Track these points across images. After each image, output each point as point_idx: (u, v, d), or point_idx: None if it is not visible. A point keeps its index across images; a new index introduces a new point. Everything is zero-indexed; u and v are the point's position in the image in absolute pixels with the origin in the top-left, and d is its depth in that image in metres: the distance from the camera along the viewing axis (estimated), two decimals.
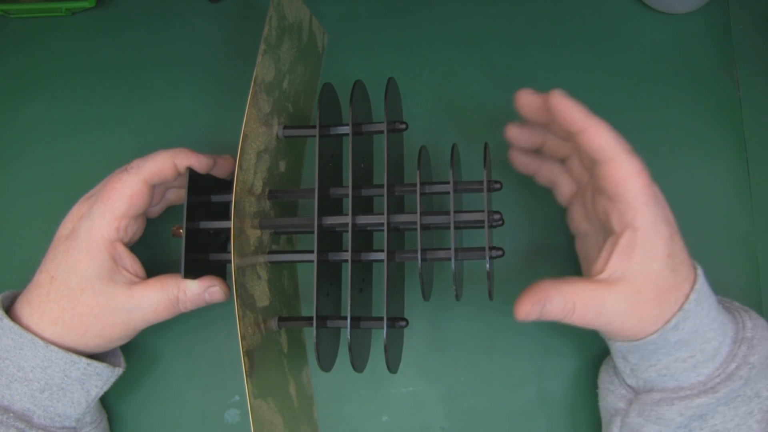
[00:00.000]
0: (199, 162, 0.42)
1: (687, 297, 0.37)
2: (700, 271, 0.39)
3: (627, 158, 0.36)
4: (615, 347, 0.41)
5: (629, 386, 0.42)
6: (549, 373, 0.47)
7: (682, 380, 0.39)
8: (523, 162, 0.45)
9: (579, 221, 0.43)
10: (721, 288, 0.44)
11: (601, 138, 0.37)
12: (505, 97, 0.52)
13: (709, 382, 0.38)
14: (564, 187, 0.44)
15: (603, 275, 0.37)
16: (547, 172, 0.45)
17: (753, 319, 0.40)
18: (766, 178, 0.49)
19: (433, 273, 0.46)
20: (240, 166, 0.38)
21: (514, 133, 0.43)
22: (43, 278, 0.41)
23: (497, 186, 0.39)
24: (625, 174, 0.36)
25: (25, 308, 0.41)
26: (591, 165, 0.39)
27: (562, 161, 0.44)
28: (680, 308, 0.37)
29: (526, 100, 0.40)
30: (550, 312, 0.37)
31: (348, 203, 0.40)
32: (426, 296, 0.40)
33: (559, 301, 0.37)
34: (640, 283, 0.37)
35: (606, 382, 0.43)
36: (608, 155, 0.36)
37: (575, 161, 0.42)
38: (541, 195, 0.48)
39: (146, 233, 0.45)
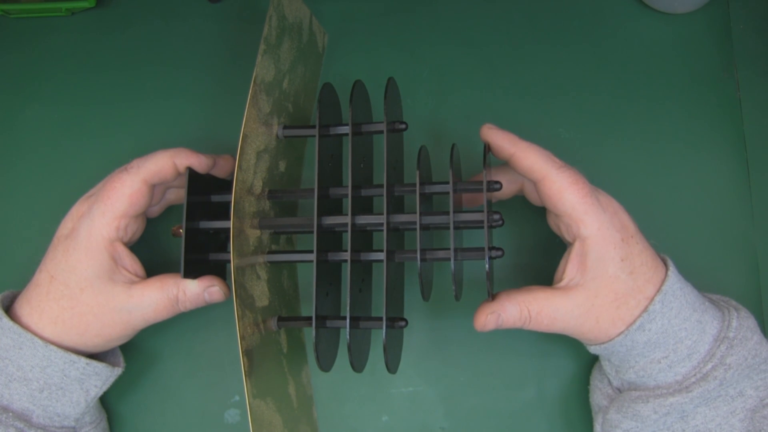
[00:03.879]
0: (199, 162, 0.42)
1: (651, 299, 0.38)
2: (671, 271, 0.39)
3: (557, 173, 0.38)
4: (594, 351, 0.41)
5: (615, 387, 0.43)
6: (548, 373, 0.47)
7: (659, 380, 0.39)
8: (511, 189, 0.46)
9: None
10: (721, 288, 0.45)
11: (528, 159, 0.39)
12: (505, 97, 0.52)
13: (685, 382, 0.39)
14: None
15: (561, 283, 0.39)
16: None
17: (741, 318, 0.40)
18: (766, 178, 0.49)
19: (432, 273, 0.46)
20: (239, 166, 0.38)
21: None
22: (42, 277, 0.41)
23: (497, 186, 0.39)
24: (558, 188, 0.38)
25: (24, 307, 0.41)
26: (533, 187, 0.40)
27: None
28: (645, 310, 0.38)
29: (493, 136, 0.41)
30: (506, 321, 0.39)
31: (347, 203, 0.40)
32: (425, 297, 0.40)
33: (514, 310, 0.39)
34: (596, 288, 0.38)
35: (596, 380, 0.44)
36: (539, 174, 0.38)
37: None
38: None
39: (146, 233, 0.45)
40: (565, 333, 0.40)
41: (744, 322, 0.40)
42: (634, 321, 0.38)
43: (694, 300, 0.40)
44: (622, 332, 0.38)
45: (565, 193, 0.38)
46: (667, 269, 0.39)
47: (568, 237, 0.39)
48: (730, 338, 0.39)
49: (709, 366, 0.38)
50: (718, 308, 0.41)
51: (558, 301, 0.38)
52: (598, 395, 0.44)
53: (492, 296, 0.40)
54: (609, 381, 0.43)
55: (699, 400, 0.38)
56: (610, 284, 0.38)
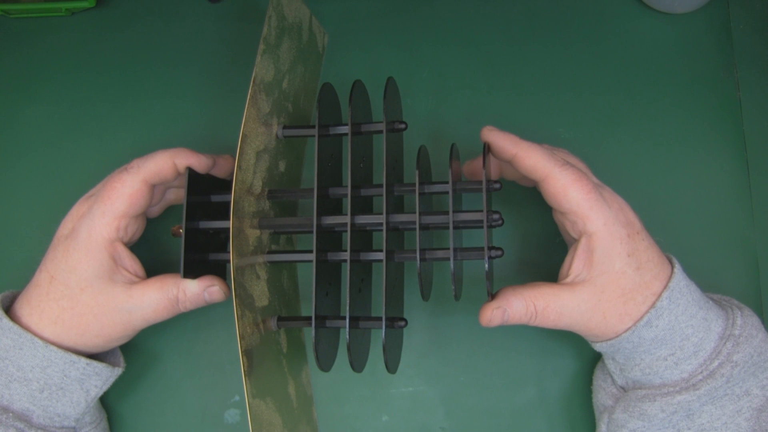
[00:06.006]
0: (198, 162, 0.42)
1: (659, 295, 0.38)
2: (677, 269, 0.39)
3: (560, 171, 0.38)
4: (599, 349, 0.41)
5: (620, 386, 0.42)
6: (548, 373, 0.47)
7: (666, 378, 0.39)
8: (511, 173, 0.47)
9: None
10: (721, 288, 0.45)
11: (531, 159, 0.39)
12: (505, 97, 0.52)
13: (692, 379, 0.39)
14: None
15: (567, 279, 0.39)
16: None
17: (745, 316, 0.40)
18: (766, 178, 0.49)
19: (432, 273, 0.46)
20: (239, 165, 0.38)
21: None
22: (42, 278, 0.41)
23: (497, 186, 0.39)
24: (562, 185, 0.38)
25: (24, 308, 0.41)
26: (538, 187, 0.40)
27: None
28: (652, 306, 0.38)
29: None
30: (512, 316, 0.39)
31: (347, 203, 0.40)
32: (425, 296, 0.40)
33: (520, 306, 0.39)
34: (602, 283, 0.38)
35: (599, 379, 0.44)
36: (542, 173, 0.38)
37: None
38: (541, 195, 0.48)
39: (146, 233, 0.45)
40: (571, 329, 0.40)
41: (748, 320, 0.40)
42: (642, 317, 0.38)
43: (699, 298, 0.40)
44: (629, 328, 0.38)
45: (569, 190, 0.38)
46: (672, 267, 0.40)
47: (573, 234, 0.39)
48: (735, 336, 0.39)
49: (716, 363, 0.38)
50: (721, 307, 0.41)
51: (565, 296, 0.38)
52: (602, 395, 0.43)
53: (491, 296, 0.40)
54: (613, 380, 0.43)
55: (706, 398, 0.38)
56: (617, 280, 0.38)
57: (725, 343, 0.39)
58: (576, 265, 0.39)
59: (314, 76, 0.52)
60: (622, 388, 0.42)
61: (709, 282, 0.45)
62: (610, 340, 0.39)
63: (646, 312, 0.38)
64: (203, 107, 0.53)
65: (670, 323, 0.38)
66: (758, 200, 0.49)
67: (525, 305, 0.39)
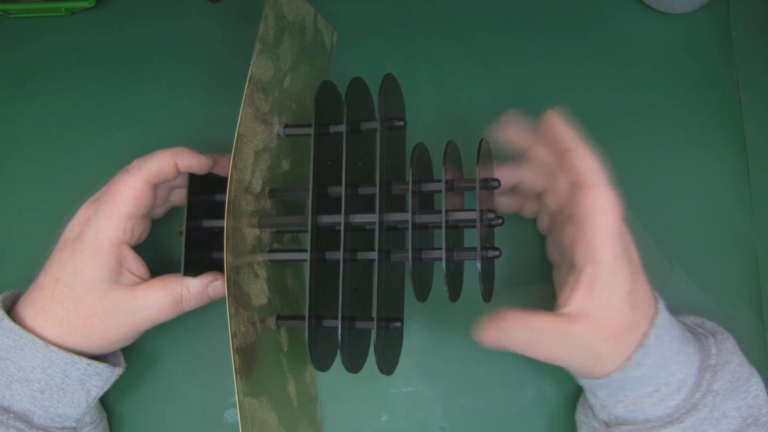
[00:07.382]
0: (199, 162, 0.42)
1: (646, 333, 0.37)
2: (661, 305, 0.39)
3: (604, 189, 0.37)
4: (582, 383, 0.41)
5: (602, 421, 0.42)
6: (548, 373, 0.47)
7: (650, 414, 0.39)
8: (505, 203, 0.47)
9: (552, 252, 0.45)
10: (721, 288, 0.44)
11: (585, 161, 0.38)
12: (505, 97, 0.52)
13: (676, 413, 0.38)
14: (541, 220, 0.46)
15: (566, 309, 0.38)
16: (529, 207, 0.47)
17: (718, 342, 0.40)
18: (766, 178, 0.49)
19: (432, 273, 0.46)
20: (235, 165, 0.38)
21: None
22: (47, 280, 0.41)
23: (495, 184, 0.39)
24: (600, 203, 0.37)
25: (28, 310, 0.41)
26: (571, 189, 0.39)
27: (539, 195, 0.45)
28: (641, 344, 0.37)
29: (516, 123, 0.42)
30: (509, 342, 0.38)
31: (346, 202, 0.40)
32: (420, 297, 0.40)
33: (520, 332, 0.38)
34: (600, 319, 0.37)
35: (581, 414, 0.44)
36: (588, 180, 0.37)
37: (549, 195, 0.43)
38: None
39: (149, 234, 0.45)
40: (562, 364, 0.39)
41: (722, 346, 0.39)
42: (630, 356, 0.37)
43: (680, 332, 0.39)
44: (618, 367, 0.38)
45: (604, 210, 0.37)
46: (655, 302, 0.39)
47: (580, 258, 0.38)
48: (713, 366, 0.38)
49: (698, 395, 0.38)
50: (696, 337, 0.41)
51: (563, 328, 0.37)
52: (584, 430, 0.43)
53: (485, 297, 0.39)
54: (594, 414, 0.42)
55: (690, 430, 0.38)
56: (614, 317, 0.37)
57: (704, 375, 0.38)
58: (578, 294, 0.37)
59: (322, 74, 0.51)
60: (605, 423, 0.41)
61: (709, 282, 0.45)
62: (599, 379, 0.39)
63: (635, 351, 0.37)
64: (203, 107, 0.53)
65: (657, 361, 0.38)
66: (758, 200, 0.49)
67: (526, 332, 0.38)
